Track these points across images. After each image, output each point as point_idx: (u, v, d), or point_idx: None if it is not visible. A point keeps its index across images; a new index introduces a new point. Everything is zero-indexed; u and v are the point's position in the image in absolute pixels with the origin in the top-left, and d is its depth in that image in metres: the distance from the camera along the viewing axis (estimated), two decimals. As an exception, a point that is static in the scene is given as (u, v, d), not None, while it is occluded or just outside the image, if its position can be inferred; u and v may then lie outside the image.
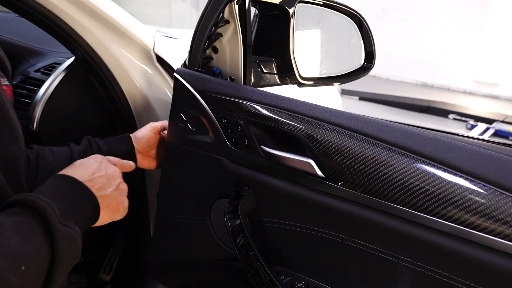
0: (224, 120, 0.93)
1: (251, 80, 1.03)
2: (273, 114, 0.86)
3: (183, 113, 1.00)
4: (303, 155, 0.82)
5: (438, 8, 7.08)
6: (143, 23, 1.25)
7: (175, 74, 1.01)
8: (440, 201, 0.67)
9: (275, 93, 0.92)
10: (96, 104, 1.27)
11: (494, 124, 5.13)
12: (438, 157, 0.68)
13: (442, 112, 5.72)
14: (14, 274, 0.56)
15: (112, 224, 0.85)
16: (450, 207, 0.66)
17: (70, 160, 0.99)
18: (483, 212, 0.64)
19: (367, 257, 0.77)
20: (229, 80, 1.01)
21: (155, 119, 1.20)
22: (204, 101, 0.96)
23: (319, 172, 0.79)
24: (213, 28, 0.96)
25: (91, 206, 0.75)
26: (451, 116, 5.62)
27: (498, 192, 0.63)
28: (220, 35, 0.98)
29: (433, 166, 0.69)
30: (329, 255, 0.84)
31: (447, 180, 0.67)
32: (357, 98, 6.21)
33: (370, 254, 0.77)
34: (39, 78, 1.31)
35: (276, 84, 1.12)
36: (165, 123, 1.08)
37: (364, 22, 1.15)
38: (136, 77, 1.19)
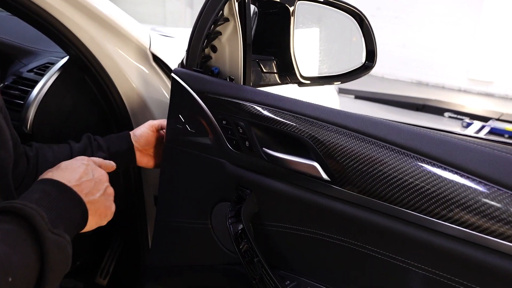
0: (224, 122, 0.91)
1: (250, 80, 1.00)
2: (275, 115, 0.84)
3: (181, 114, 0.98)
4: (307, 157, 0.80)
5: (433, 6, 7.08)
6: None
7: (172, 74, 0.98)
8: (453, 205, 0.65)
9: (276, 93, 0.90)
10: (91, 105, 1.25)
11: (490, 122, 5.14)
12: (450, 159, 0.66)
13: (437, 110, 5.72)
14: (0, 285, 0.53)
15: (108, 226, 0.83)
16: (463, 212, 0.64)
17: (70, 157, 0.96)
18: (496, 216, 0.62)
19: (375, 262, 0.75)
20: (228, 80, 0.99)
21: (152, 120, 1.17)
22: (203, 102, 0.93)
23: (324, 175, 0.77)
24: (212, 26, 0.93)
25: (80, 212, 0.72)
26: (446, 114, 5.62)
27: None
28: (219, 33, 0.96)
29: (444, 169, 0.66)
30: (335, 259, 0.82)
31: (460, 183, 0.65)
32: (352, 96, 6.19)
33: (378, 259, 0.75)
34: (32, 78, 1.28)
35: (276, 84, 1.09)
36: (164, 121, 1.06)
37: (365, 20, 1.13)
38: (132, 77, 1.16)
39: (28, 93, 1.22)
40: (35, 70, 1.31)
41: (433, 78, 7.36)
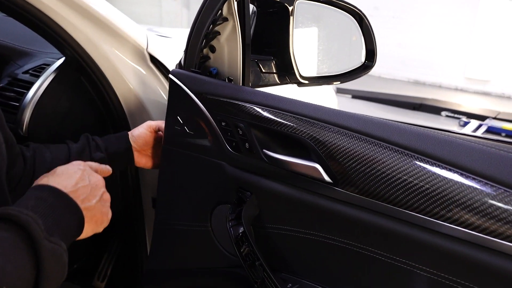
0: (223, 123, 0.89)
1: (250, 80, 0.99)
2: (275, 116, 0.83)
3: (179, 116, 0.96)
4: (308, 159, 0.79)
5: (430, 5, 7.09)
6: (132, 22, 1.20)
7: (170, 75, 0.97)
8: (458, 207, 0.64)
9: (275, 93, 0.89)
10: (88, 107, 1.23)
11: (487, 121, 5.14)
12: (455, 160, 0.65)
13: (434, 109, 5.71)
14: None
15: (106, 228, 0.81)
16: (468, 213, 0.63)
17: (68, 158, 0.96)
18: (503, 218, 0.61)
19: (378, 264, 0.74)
20: (227, 81, 0.97)
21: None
22: (202, 104, 0.92)
23: (326, 177, 0.76)
24: (211, 26, 0.91)
25: (76, 219, 0.71)
26: (443, 113, 5.62)
27: None
28: (218, 33, 0.94)
29: (449, 170, 0.65)
30: (337, 262, 0.81)
31: (466, 184, 0.64)
32: (350, 96, 6.19)
33: (382, 262, 0.74)
34: (27, 80, 1.26)
35: (275, 84, 1.08)
36: (162, 123, 1.05)
37: (365, 19, 1.11)
38: (129, 78, 1.15)
39: (24, 95, 1.20)
40: (30, 71, 1.29)
41: (430, 77, 7.37)
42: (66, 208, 0.69)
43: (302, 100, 0.84)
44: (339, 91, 5.86)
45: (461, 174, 0.64)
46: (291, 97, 0.86)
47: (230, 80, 0.97)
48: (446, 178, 0.65)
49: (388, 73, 7.48)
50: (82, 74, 1.18)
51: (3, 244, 0.57)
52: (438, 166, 0.66)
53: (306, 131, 0.78)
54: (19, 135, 1.18)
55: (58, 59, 1.25)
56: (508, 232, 0.61)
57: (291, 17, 1.02)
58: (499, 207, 0.61)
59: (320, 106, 0.81)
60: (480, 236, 0.63)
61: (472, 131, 4.83)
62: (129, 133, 1.06)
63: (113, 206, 0.83)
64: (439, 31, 7.09)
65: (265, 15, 1.06)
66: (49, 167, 0.92)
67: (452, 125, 5.28)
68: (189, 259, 1.05)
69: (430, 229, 0.67)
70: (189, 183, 1.00)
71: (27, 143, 0.97)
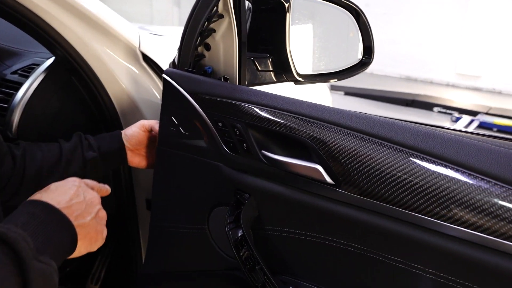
0: (219, 124, 0.87)
1: (246, 79, 0.96)
2: (274, 116, 0.80)
3: (174, 116, 0.94)
4: (309, 160, 0.77)
5: (421, 2, 7.11)
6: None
7: (164, 75, 0.95)
8: (467, 209, 0.62)
9: (271, 92, 0.86)
10: (79, 108, 1.21)
11: (479, 116, 5.17)
12: (462, 160, 0.63)
13: (427, 105, 5.73)
14: None
15: None
16: (475, 214, 0.61)
17: (60, 157, 0.95)
18: (506, 218, 0.59)
19: (382, 266, 0.73)
20: (222, 79, 0.95)
21: (143, 121, 1.13)
22: (197, 104, 0.90)
23: (328, 179, 0.74)
24: (206, 23, 0.89)
25: (69, 236, 0.68)
26: (436, 109, 5.63)
27: None
28: (213, 30, 0.92)
29: (456, 170, 0.63)
30: (340, 264, 0.80)
31: (474, 185, 0.62)
32: (342, 93, 6.19)
33: (385, 264, 0.72)
34: (16, 80, 1.23)
35: (272, 82, 1.06)
36: (155, 122, 1.04)
37: (362, 14, 1.09)
38: (122, 78, 1.13)
39: (13, 96, 1.18)
40: (19, 71, 1.27)
41: (421, 73, 7.40)
42: (59, 225, 0.67)
43: (297, 98, 0.82)
44: (332, 88, 5.86)
45: (469, 175, 0.62)
46: (287, 96, 0.84)
47: (226, 79, 0.95)
48: (454, 178, 0.63)
49: (380, 69, 7.49)
50: (72, 74, 1.15)
51: None
52: (445, 166, 0.64)
53: (306, 131, 0.76)
54: (8, 137, 1.15)
55: (48, 58, 1.23)
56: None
57: (287, 14, 0.99)
58: (504, 207, 0.59)
59: (320, 105, 0.79)
60: (485, 237, 0.61)
61: (464, 127, 4.86)
62: (122, 132, 1.04)
63: (106, 206, 0.80)
64: (430, 27, 7.12)
65: (260, 12, 1.04)
66: (40, 166, 0.92)
67: (444, 121, 5.30)
68: (186, 262, 1.04)
69: (435, 231, 0.65)
70: (185, 184, 0.98)
71: (17, 142, 0.95)
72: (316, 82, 1.17)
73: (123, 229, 1.30)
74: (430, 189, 0.64)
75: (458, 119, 5.17)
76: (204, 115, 0.89)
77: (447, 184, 0.63)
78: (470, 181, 0.62)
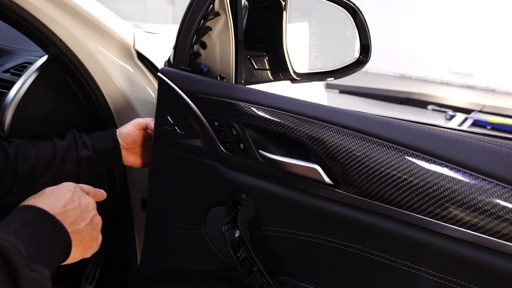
0: (216, 123, 0.86)
1: (242, 78, 0.95)
2: (272, 116, 0.79)
3: (169, 115, 0.93)
4: (307, 160, 0.76)
5: (415, 0, 7.12)
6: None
7: (159, 74, 0.93)
8: (469, 209, 0.61)
9: (269, 91, 0.85)
10: (73, 107, 1.19)
11: (472, 114, 5.19)
12: (465, 161, 0.62)
13: (421, 103, 5.75)
14: None
15: None
16: (476, 215, 0.61)
17: (54, 155, 0.94)
18: (508, 219, 0.58)
19: (381, 268, 0.72)
20: (219, 78, 0.94)
21: (138, 119, 1.12)
22: (193, 103, 0.89)
23: (326, 179, 0.73)
24: (202, 21, 0.88)
25: (63, 243, 0.67)
26: (430, 107, 5.66)
27: None
28: (209, 28, 0.90)
29: (458, 170, 0.62)
30: (338, 265, 0.79)
31: (476, 186, 0.61)
32: (337, 91, 6.20)
33: (385, 265, 0.71)
34: (8, 79, 1.22)
35: (268, 81, 1.05)
36: (150, 120, 1.03)
37: (359, 12, 1.08)
38: (116, 76, 1.11)
39: (5, 95, 1.16)
40: (11, 70, 1.25)
41: (416, 71, 7.42)
42: (53, 232, 0.65)
43: (293, 97, 0.81)
44: (326, 86, 5.85)
45: (470, 175, 0.61)
46: (281, 94, 0.83)
47: (222, 78, 0.94)
48: (455, 179, 0.62)
49: (375, 67, 7.50)
50: (66, 72, 1.13)
51: None
52: (446, 167, 0.63)
53: (304, 131, 0.75)
54: (0, 136, 1.13)
55: (41, 57, 1.21)
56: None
57: (284, 12, 0.98)
58: (506, 207, 0.59)
59: (319, 104, 0.78)
60: (487, 238, 0.61)
61: (458, 125, 4.88)
62: (117, 130, 1.03)
63: (100, 206, 0.79)
64: (424, 25, 7.14)
65: (257, 10, 1.03)
66: (33, 164, 0.91)
67: (438, 119, 5.32)
68: (182, 262, 1.03)
69: (435, 232, 0.65)
70: (181, 184, 0.97)
71: (10, 139, 0.94)
72: (313, 81, 1.16)
73: (118, 229, 1.28)
74: (431, 190, 0.64)
75: (452, 117, 5.18)
76: (200, 114, 0.88)
77: (448, 185, 0.63)
78: (472, 182, 0.61)
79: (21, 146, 0.92)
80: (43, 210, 0.66)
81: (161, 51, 1.16)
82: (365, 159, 0.69)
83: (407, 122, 0.71)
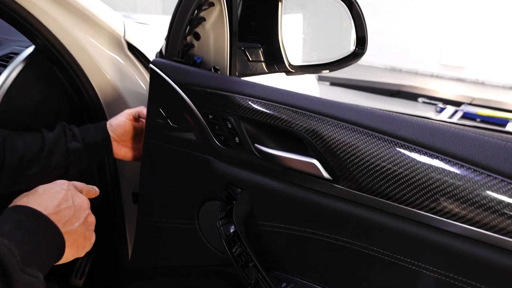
0: (210, 116, 0.84)
1: (236, 70, 0.93)
2: (268, 109, 0.77)
3: (162, 108, 0.91)
4: (305, 154, 0.74)
5: (405, -8, 7.13)
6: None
7: (151, 65, 0.91)
8: (471, 206, 0.60)
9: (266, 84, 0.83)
10: (61, 99, 1.17)
11: (462, 107, 5.21)
12: (467, 156, 0.61)
13: (411, 95, 5.77)
14: None
15: None
16: (477, 211, 0.60)
17: (42, 146, 0.91)
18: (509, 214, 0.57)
19: (380, 263, 0.71)
20: (213, 70, 0.92)
21: (129, 110, 1.10)
22: (186, 95, 0.86)
23: (325, 174, 0.71)
24: (195, 11, 0.85)
25: (56, 244, 0.65)
26: (420, 99, 5.68)
27: None
28: (203, 19, 0.88)
29: (461, 166, 0.61)
30: (335, 260, 0.78)
31: (479, 182, 0.60)
32: (328, 83, 6.19)
33: (384, 261, 0.70)
34: (-7, 70, 1.17)
35: (263, 73, 1.04)
36: (142, 108, 1.01)
37: (355, 4, 1.07)
38: (106, 68, 1.09)
39: (-10, 86, 1.12)
40: (-4, 61, 1.21)
41: (406, 64, 7.44)
42: (46, 233, 0.64)
43: (286, 88, 0.80)
44: (318, 78, 5.85)
45: (474, 171, 0.60)
46: (273, 85, 0.81)
47: (216, 70, 0.92)
48: (458, 174, 0.61)
49: (365, 60, 7.50)
50: (54, 63, 1.11)
51: None
52: (448, 161, 0.62)
53: (303, 124, 0.74)
54: (-14, 130, 1.10)
55: (27, 47, 1.17)
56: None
57: (280, 3, 0.96)
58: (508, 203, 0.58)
59: (317, 97, 0.76)
60: (489, 234, 0.60)
61: (448, 117, 4.89)
62: (108, 122, 1.01)
63: (90, 199, 0.78)
64: (415, 18, 7.15)
65: (251, 0, 1.00)
66: (21, 155, 0.89)
67: (428, 111, 5.34)
68: (175, 257, 1.01)
69: (436, 228, 0.63)
70: (174, 178, 0.95)
71: None
72: (308, 73, 1.15)
73: (108, 223, 1.26)
74: (433, 185, 0.62)
75: (442, 109, 5.21)
76: (194, 107, 0.86)
77: (451, 180, 0.61)
78: (475, 177, 0.60)
79: (8, 136, 0.90)
80: (36, 210, 0.64)
81: (152, 42, 1.14)
82: (366, 153, 0.68)
83: (407, 116, 0.69)
